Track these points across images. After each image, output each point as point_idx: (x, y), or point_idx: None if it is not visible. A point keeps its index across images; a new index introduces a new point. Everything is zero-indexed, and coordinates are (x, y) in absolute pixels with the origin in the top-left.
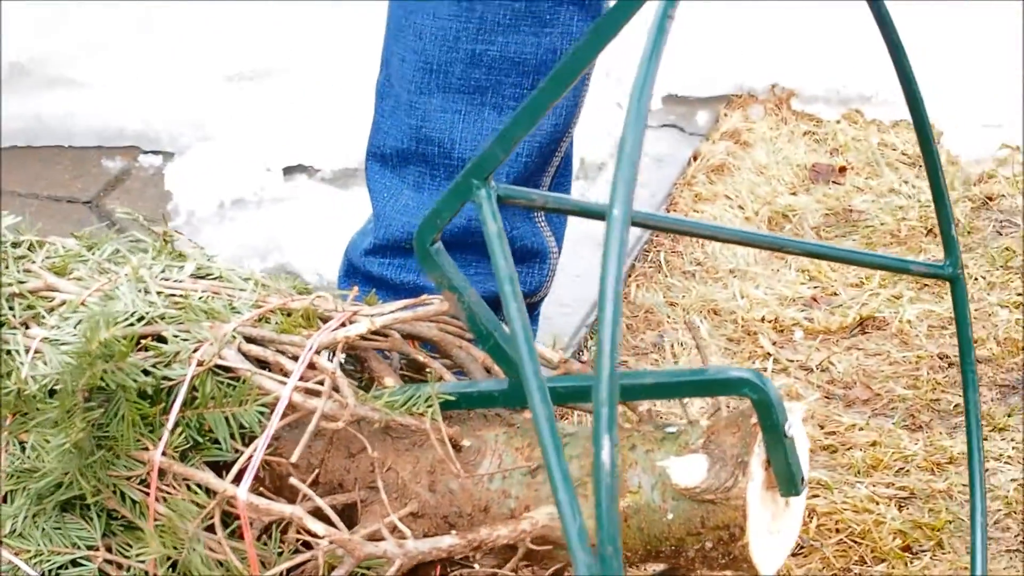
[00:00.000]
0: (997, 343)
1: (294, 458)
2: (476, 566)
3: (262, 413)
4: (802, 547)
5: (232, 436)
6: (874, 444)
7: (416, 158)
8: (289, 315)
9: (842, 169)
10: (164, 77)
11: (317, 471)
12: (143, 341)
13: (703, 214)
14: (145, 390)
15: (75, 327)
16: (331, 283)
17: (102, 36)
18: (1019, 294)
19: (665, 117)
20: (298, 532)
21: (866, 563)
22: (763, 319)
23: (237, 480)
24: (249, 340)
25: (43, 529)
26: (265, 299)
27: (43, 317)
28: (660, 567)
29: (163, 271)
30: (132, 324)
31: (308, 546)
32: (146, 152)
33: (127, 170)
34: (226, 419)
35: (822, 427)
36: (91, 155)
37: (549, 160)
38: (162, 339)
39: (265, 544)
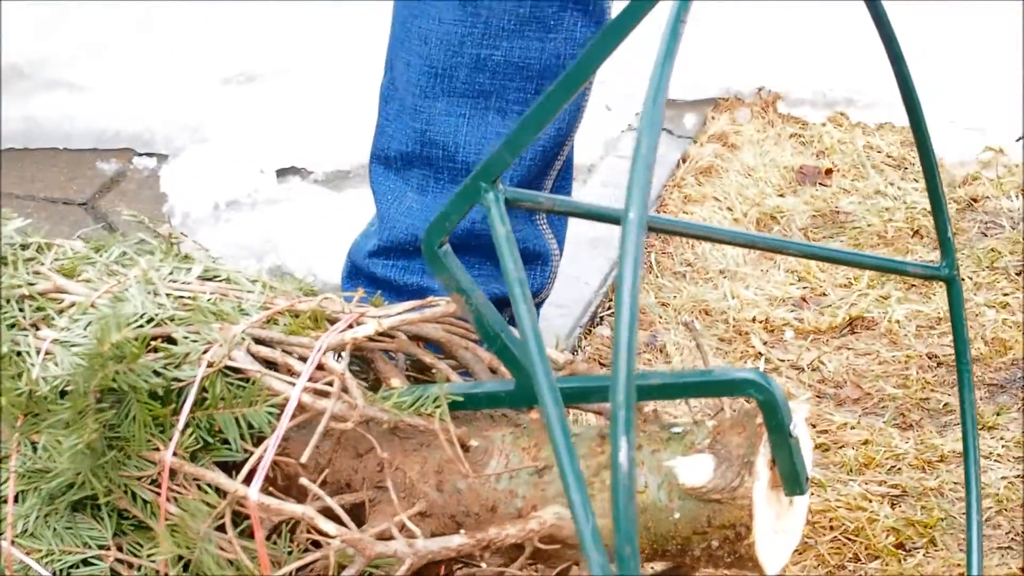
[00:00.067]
0: (985, 343)
1: (304, 458)
2: (483, 565)
3: (272, 414)
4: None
5: (242, 436)
6: (866, 443)
7: (420, 161)
8: (297, 316)
9: (828, 171)
10: (159, 80)
11: (327, 472)
12: (153, 342)
13: (692, 215)
14: (156, 391)
15: (85, 328)
16: (326, 283)
17: (98, 39)
18: (1005, 294)
19: None
20: (308, 531)
21: (860, 560)
22: (754, 319)
23: (248, 480)
24: (258, 341)
25: (54, 529)
26: (272, 301)
27: (53, 319)
28: (663, 565)
29: (171, 273)
30: (142, 326)
31: (317, 545)
32: (141, 154)
33: (122, 172)
34: (236, 420)
35: (814, 426)
36: (86, 157)
37: (552, 164)
38: (172, 340)
39: (274, 543)
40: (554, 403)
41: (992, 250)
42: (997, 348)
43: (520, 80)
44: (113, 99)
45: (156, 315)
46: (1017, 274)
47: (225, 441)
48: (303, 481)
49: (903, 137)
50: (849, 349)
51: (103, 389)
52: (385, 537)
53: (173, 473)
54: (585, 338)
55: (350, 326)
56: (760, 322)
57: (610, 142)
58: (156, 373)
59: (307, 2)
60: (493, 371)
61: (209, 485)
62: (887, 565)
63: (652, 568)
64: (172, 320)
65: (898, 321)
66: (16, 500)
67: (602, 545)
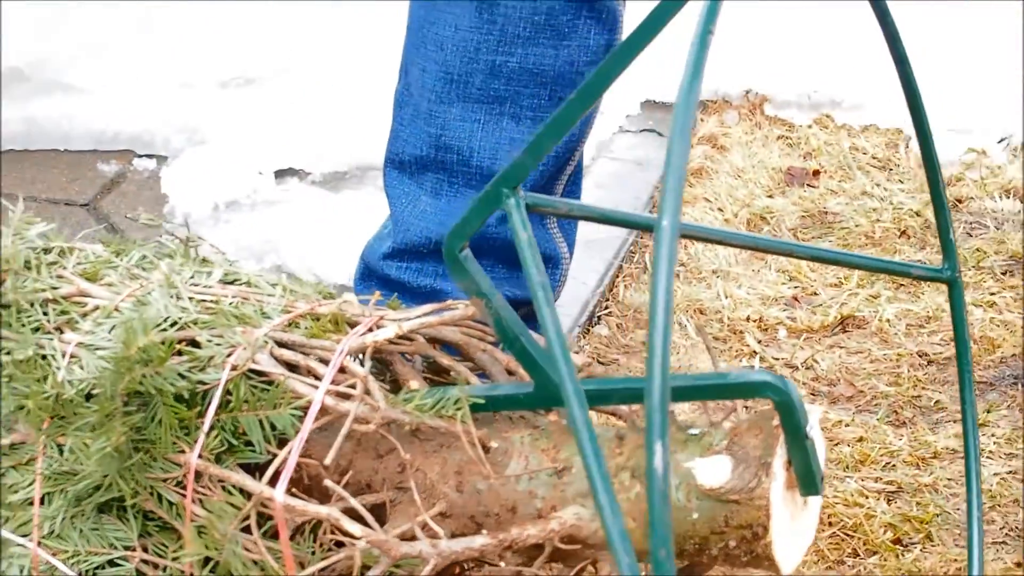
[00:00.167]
0: (973, 341)
1: (329, 460)
2: (502, 564)
3: (295, 416)
4: None
5: (266, 439)
6: (861, 440)
7: (435, 165)
8: (317, 320)
9: (816, 172)
10: (157, 82)
11: (352, 474)
12: (177, 346)
13: (685, 216)
14: (181, 394)
15: (110, 332)
16: (327, 283)
17: (98, 41)
18: (992, 294)
19: (644, 122)
20: (331, 532)
21: (859, 555)
22: (748, 318)
23: (272, 482)
24: (280, 344)
25: (81, 530)
26: (293, 304)
27: (77, 322)
28: (680, 564)
29: (192, 277)
30: (166, 330)
31: (339, 545)
32: (140, 156)
33: (122, 173)
34: (260, 422)
35: None
36: (86, 158)
37: (564, 168)
38: (195, 344)
39: (298, 544)
40: (579, 406)
41: (977, 250)
42: (985, 347)
43: (534, 86)
44: (112, 101)
45: (179, 319)
46: (1003, 273)
47: (248, 443)
48: (327, 483)
49: (887, 139)
50: (841, 347)
51: (129, 392)
52: (407, 537)
53: (198, 475)
54: (583, 337)
55: (370, 329)
56: (754, 321)
57: (602, 144)
58: (180, 376)
59: (303, 5)
60: (510, 373)
61: (234, 487)
62: (885, 560)
63: None
64: (195, 324)
65: (888, 320)
66: (42, 502)
67: (631, 547)
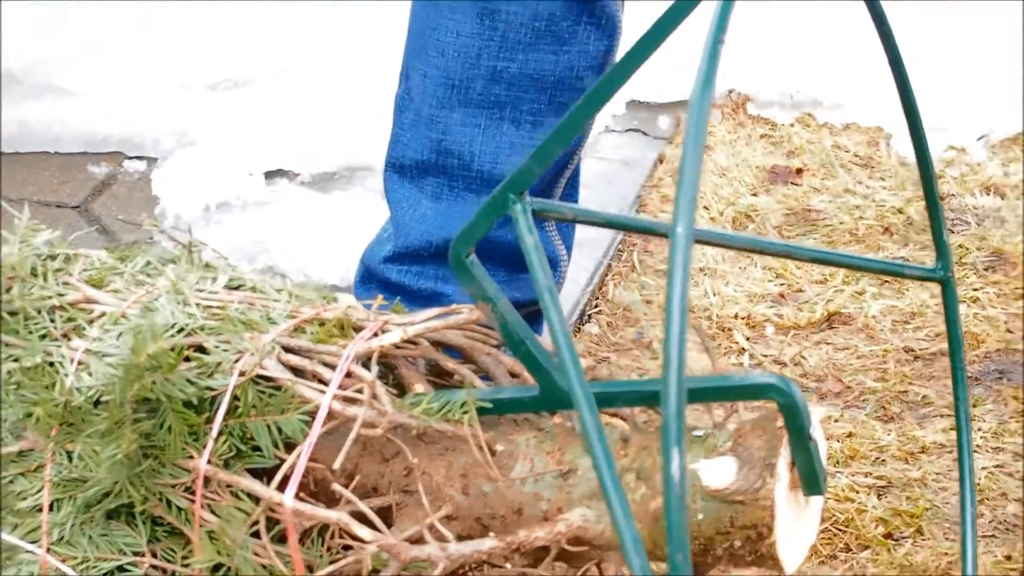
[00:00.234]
0: None
1: (337, 464)
2: (508, 565)
3: (303, 421)
4: None
5: (274, 444)
6: (850, 435)
7: (436, 170)
8: (323, 325)
9: (799, 171)
10: (147, 85)
11: (359, 478)
12: (185, 352)
13: (670, 215)
14: (189, 400)
15: (118, 339)
16: (318, 284)
17: (95, 42)
18: (975, 289)
19: (629, 122)
20: (340, 536)
21: (851, 550)
22: (736, 316)
23: (281, 487)
24: (287, 350)
25: (90, 536)
26: (299, 310)
27: (84, 329)
28: None
29: (197, 282)
30: (174, 336)
31: (347, 548)
32: (131, 158)
33: (113, 175)
34: (268, 427)
35: None
36: (77, 161)
37: (563, 172)
38: (202, 350)
39: (307, 549)
40: (590, 411)
41: (960, 246)
42: (970, 342)
43: (534, 92)
44: (102, 103)
45: (186, 325)
46: (985, 269)
47: (256, 448)
48: (336, 487)
49: (868, 137)
50: (828, 344)
51: (138, 399)
52: (414, 540)
53: (207, 480)
54: (575, 335)
55: (375, 334)
56: (742, 318)
57: (588, 143)
58: (189, 382)
59: (291, 8)
60: (513, 375)
61: (244, 492)
62: (877, 555)
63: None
64: (202, 330)
65: (874, 316)
66: (51, 508)
67: (644, 551)
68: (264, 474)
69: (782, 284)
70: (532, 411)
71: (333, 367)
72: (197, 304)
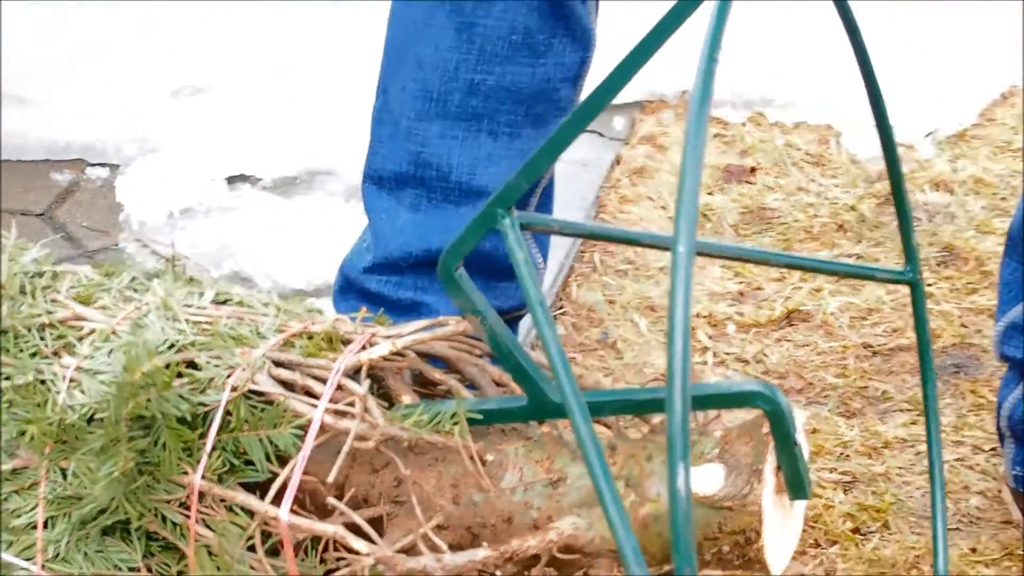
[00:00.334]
0: (914, 331)
1: (331, 478)
2: (497, 573)
3: (296, 435)
4: None
5: (267, 458)
6: (814, 431)
7: (414, 181)
8: (311, 338)
9: (752, 169)
10: (108, 92)
11: (352, 490)
12: (177, 368)
13: (630, 215)
14: (184, 416)
15: (108, 356)
16: (285, 288)
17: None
18: (929, 285)
19: None
20: (334, 548)
21: (821, 546)
22: (697, 315)
23: (276, 500)
24: (277, 364)
25: (85, 553)
26: (287, 324)
27: (74, 346)
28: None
29: (185, 298)
30: (165, 352)
31: (342, 560)
32: (93, 164)
33: (76, 183)
34: (261, 442)
35: None
36: (40, 169)
37: (538, 183)
38: (193, 365)
39: (302, 560)
40: (584, 421)
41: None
42: None
43: (511, 103)
44: (63, 111)
45: (177, 341)
46: (938, 265)
47: (248, 462)
48: (331, 501)
49: (818, 135)
50: (788, 341)
51: (132, 416)
52: (407, 550)
53: (202, 495)
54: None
55: (364, 347)
56: (704, 317)
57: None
58: (183, 398)
59: (249, 16)
60: (498, 384)
61: (238, 506)
62: (846, 550)
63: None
64: (193, 345)
65: (832, 313)
66: (45, 526)
67: (643, 561)
68: (257, 488)
69: (741, 282)
70: (521, 420)
71: (323, 380)
72: (186, 320)
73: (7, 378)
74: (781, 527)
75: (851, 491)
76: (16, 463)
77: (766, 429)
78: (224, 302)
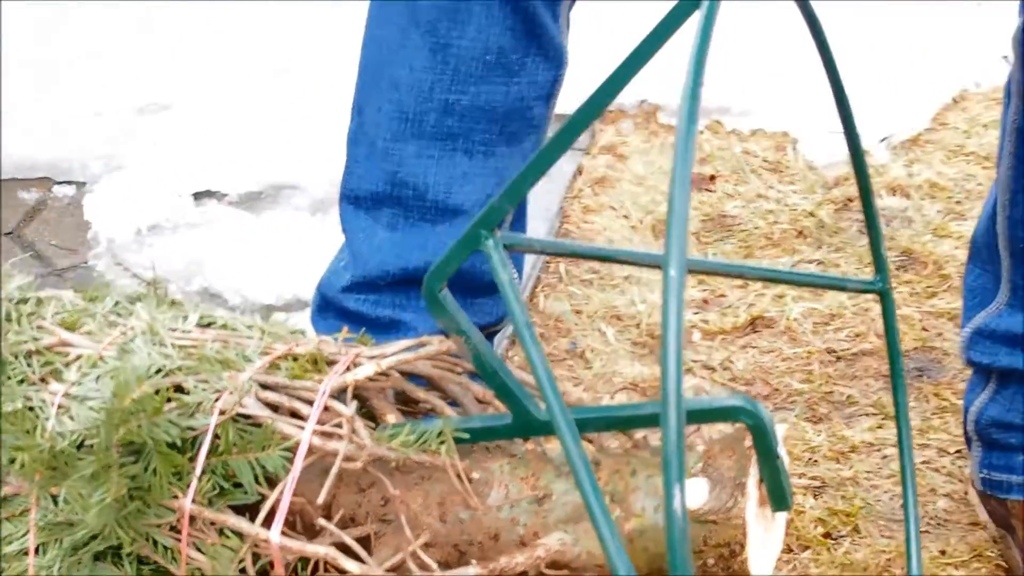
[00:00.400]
0: (877, 336)
1: (321, 499)
2: None
3: (285, 457)
4: None
5: (257, 480)
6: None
7: (391, 201)
8: (296, 360)
9: (712, 177)
10: (73, 110)
11: (341, 511)
12: (166, 393)
13: (593, 225)
14: (173, 441)
15: (96, 382)
16: (255, 303)
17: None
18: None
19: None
20: (325, 569)
21: (793, 551)
22: None
23: (266, 522)
24: (264, 387)
25: None
26: (271, 346)
27: (61, 372)
28: None
29: (170, 322)
30: (153, 377)
31: None
32: (59, 183)
33: (43, 201)
34: (250, 464)
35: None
36: (7, 187)
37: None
38: (181, 389)
39: None
40: (573, 440)
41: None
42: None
43: (486, 122)
44: (28, 129)
45: (164, 366)
46: (897, 269)
47: (237, 485)
48: (321, 522)
49: (775, 142)
50: (754, 347)
51: (124, 443)
52: (396, 569)
53: (192, 519)
54: (511, 347)
55: (348, 368)
56: None
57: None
58: (172, 423)
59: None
60: (480, 402)
61: (229, 529)
62: (818, 555)
63: None
64: (180, 370)
65: (795, 319)
66: (37, 552)
67: None
68: (246, 510)
69: (705, 290)
70: (506, 438)
71: (310, 402)
72: (172, 344)
73: None
74: (764, 538)
75: (821, 496)
76: (7, 490)
77: (748, 443)
78: (208, 325)
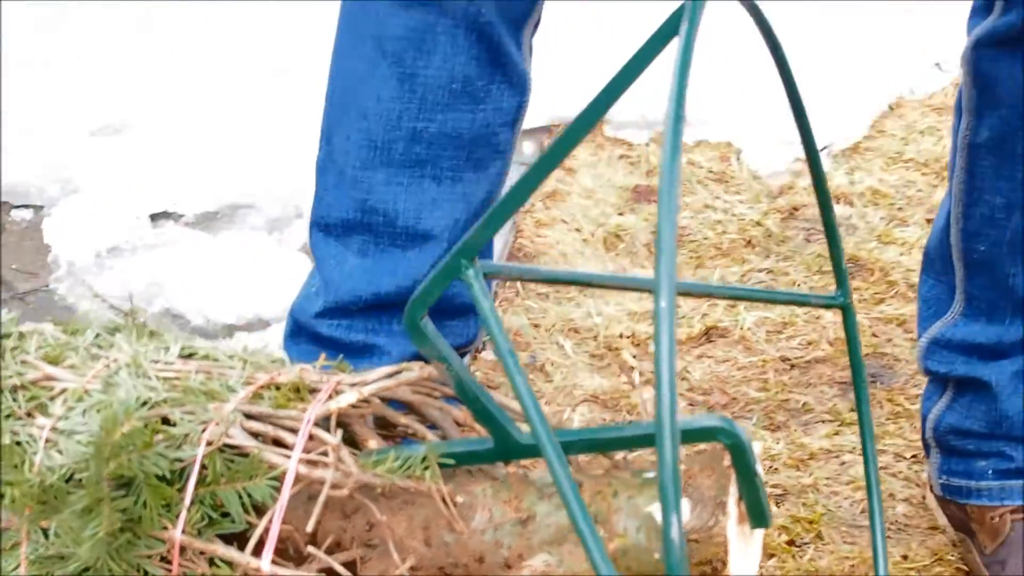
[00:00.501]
0: (828, 343)
1: (310, 527)
2: None
3: (272, 486)
4: None
5: (246, 510)
6: None
7: (361, 227)
8: (279, 389)
9: None
10: (27, 135)
11: (331, 537)
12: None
13: (546, 238)
14: (163, 473)
15: (83, 415)
16: (216, 323)
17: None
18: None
19: None
20: None
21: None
22: (621, 335)
23: (256, 551)
24: (249, 417)
25: None
26: (253, 376)
27: (47, 406)
28: None
29: (152, 353)
30: (139, 409)
31: None
32: (17, 206)
33: (1, 225)
34: (238, 494)
35: None
36: None
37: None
38: (167, 421)
39: None
40: (560, 464)
41: (819, 255)
42: (840, 348)
43: (453, 149)
44: None
45: (150, 398)
46: None
47: (224, 514)
48: (310, 549)
49: (719, 152)
50: (709, 357)
51: (114, 476)
52: None
53: (183, 549)
54: (473, 362)
55: (330, 396)
56: (627, 337)
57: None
58: (161, 455)
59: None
60: (459, 425)
61: (219, 558)
62: (784, 562)
63: None
64: (166, 402)
65: (749, 328)
66: None
67: None
68: (234, 538)
69: None
70: (488, 462)
71: (294, 431)
72: (156, 376)
73: None
74: (744, 555)
75: (783, 504)
76: None
77: (726, 462)
78: (190, 356)
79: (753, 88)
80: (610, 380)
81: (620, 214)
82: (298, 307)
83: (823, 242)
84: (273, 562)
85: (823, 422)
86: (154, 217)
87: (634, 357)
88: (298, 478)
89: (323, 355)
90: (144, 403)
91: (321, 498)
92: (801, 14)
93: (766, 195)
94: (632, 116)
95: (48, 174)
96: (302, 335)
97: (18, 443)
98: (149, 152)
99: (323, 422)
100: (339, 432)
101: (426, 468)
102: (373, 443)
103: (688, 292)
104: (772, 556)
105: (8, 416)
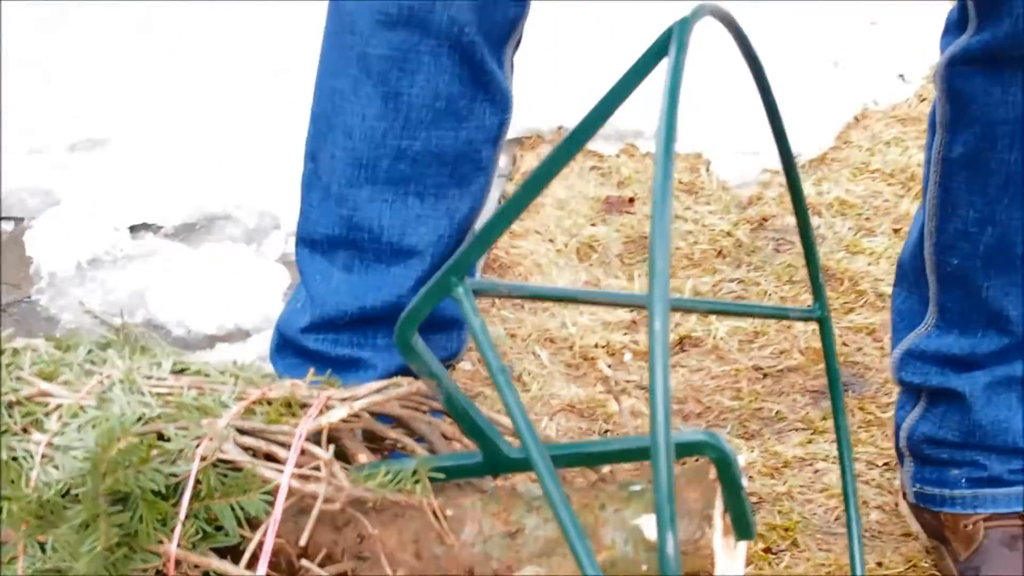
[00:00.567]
0: (800, 352)
1: (303, 542)
2: None
3: (265, 501)
4: None
5: (240, 523)
6: None
7: (346, 243)
8: (270, 404)
9: (631, 200)
10: (6, 148)
11: (320, 550)
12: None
13: (520, 249)
14: (159, 488)
15: (79, 431)
16: (199, 334)
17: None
18: (809, 305)
19: None
20: None
21: None
22: (596, 345)
23: (250, 564)
24: (242, 432)
25: None
26: (245, 391)
27: (43, 422)
28: None
29: (144, 369)
30: (136, 426)
31: None
32: None
33: None
34: (232, 508)
35: None
36: None
37: (464, 237)
38: (161, 436)
39: None
40: (552, 480)
41: (789, 265)
42: (811, 357)
43: (437, 166)
44: None
45: (144, 414)
46: None
47: (218, 528)
48: (303, 562)
49: (688, 163)
50: (683, 366)
51: (111, 492)
52: None
53: (178, 563)
54: (450, 372)
55: (321, 411)
56: (602, 347)
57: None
58: (156, 471)
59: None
60: (447, 438)
61: (214, 572)
62: (761, 569)
63: None
64: (160, 418)
65: (722, 338)
66: None
67: None
68: (227, 552)
69: (633, 311)
70: (477, 476)
71: (286, 446)
72: (150, 392)
73: None
74: (729, 565)
75: (758, 511)
76: None
77: (712, 475)
78: (182, 371)
79: (722, 99)
80: (586, 389)
81: (592, 224)
82: (284, 321)
83: (793, 252)
84: (267, 575)
85: (796, 430)
86: (133, 228)
87: (609, 367)
88: (291, 492)
89: (312, 370)
90: (139, 419)
91: (314, 512)
92: (766, 26)
93: (736, 205)
94: (603, 128)
95: (28, 186)
96: (288, 349)
97: (15, 458)
98: (128, 164)
99: (314, 437)
100: (331, 447)
101: (417, 482)
102: (363, 457)
103: (676, 308)
104: (749, 564)
105: (4, 432)
